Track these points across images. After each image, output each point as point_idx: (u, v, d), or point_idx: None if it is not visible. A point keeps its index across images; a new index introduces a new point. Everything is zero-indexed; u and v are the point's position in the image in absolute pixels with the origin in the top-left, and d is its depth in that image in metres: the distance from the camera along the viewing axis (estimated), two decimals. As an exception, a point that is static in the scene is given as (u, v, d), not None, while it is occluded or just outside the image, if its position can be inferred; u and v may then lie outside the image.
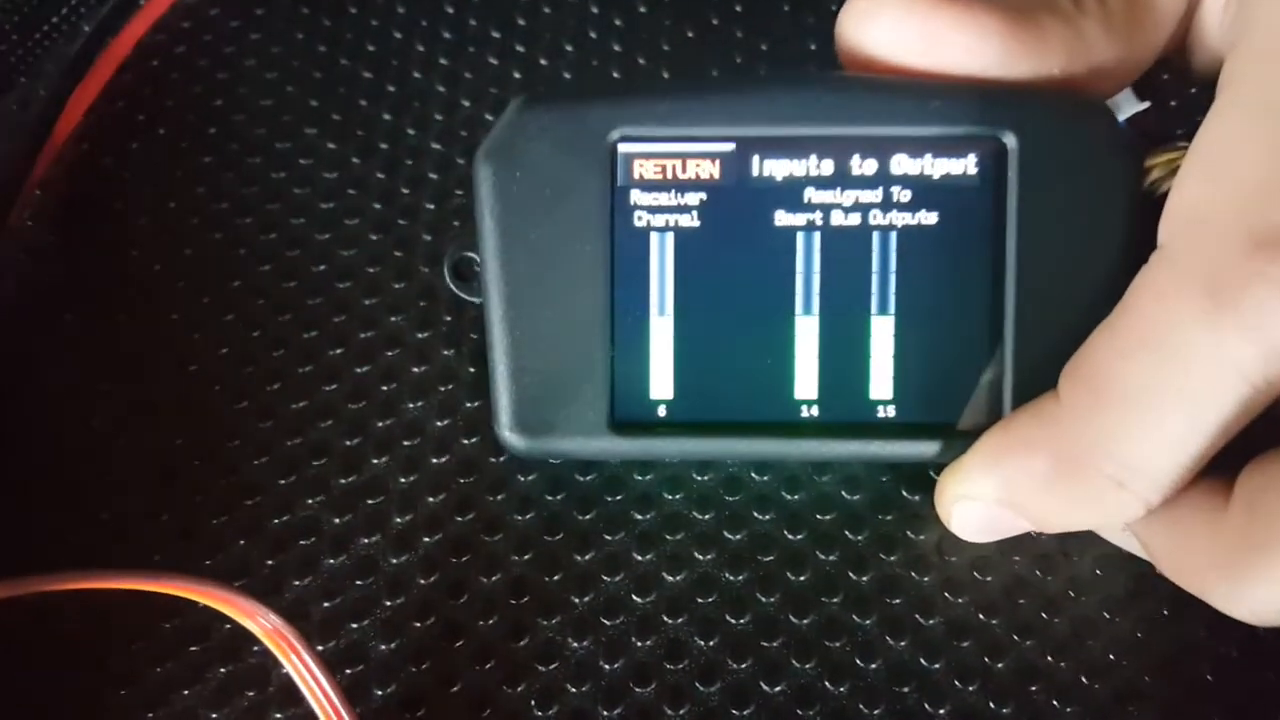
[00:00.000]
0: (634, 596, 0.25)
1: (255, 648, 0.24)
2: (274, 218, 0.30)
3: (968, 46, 0.22)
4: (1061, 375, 0.22)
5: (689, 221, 0.24)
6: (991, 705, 0.24)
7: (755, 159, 0.23)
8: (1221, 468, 0.21)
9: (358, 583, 0.25)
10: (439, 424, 0.27)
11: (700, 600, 0.25)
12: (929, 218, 0.24)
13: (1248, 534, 0.20)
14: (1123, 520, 0.22)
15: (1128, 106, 0.30)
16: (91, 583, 0.23)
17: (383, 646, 0.24)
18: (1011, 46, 0.22)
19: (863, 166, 0.23)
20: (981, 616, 0.25)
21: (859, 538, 0.26)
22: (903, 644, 0.24)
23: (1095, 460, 0.21)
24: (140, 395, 0.27)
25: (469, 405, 0.27)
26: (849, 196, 0.24)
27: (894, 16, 0.23)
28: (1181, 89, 0.31)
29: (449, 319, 0.28)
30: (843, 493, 0.26)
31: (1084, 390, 0.21)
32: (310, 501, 0.26)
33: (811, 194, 0.24)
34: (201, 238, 0.30)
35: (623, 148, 0.24)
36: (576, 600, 0.25)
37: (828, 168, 0.23)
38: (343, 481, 0.26)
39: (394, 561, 0.25)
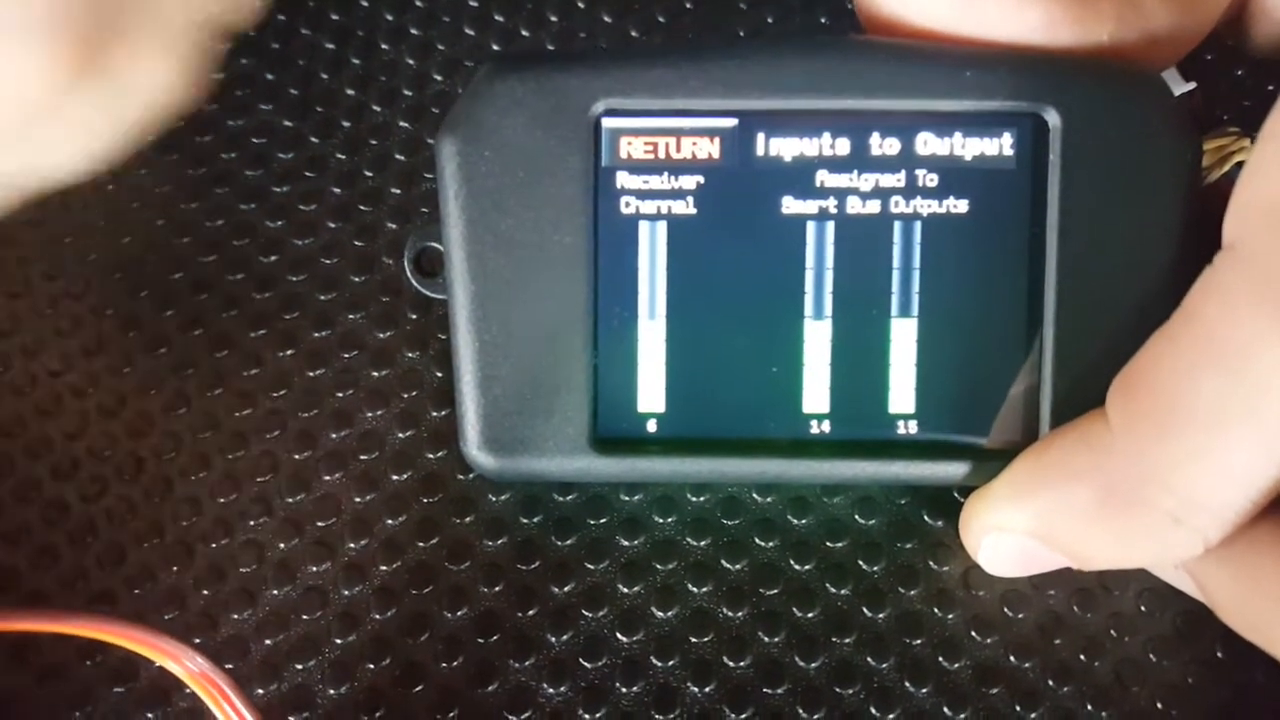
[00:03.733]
0: (619, 635, 0.23)
1: (188, 690, 0.22)
2: (221, 203, 0.27)
3: (1007, 9, 0.20)
4: (1110, 391, 0.19)
5: (684, 208, 0.21)
6: (1025, 763, 0.21)
7: (760, 137, 0.21)
8: None
9: (304, 617, 0.23)
10: (400, 436, 0.25)
11: (694, 640, 0.23)
12: (958, 205, 0.21)
13: None
14: (1177, 559, 0.20)
15: (1172, 87, 0.27)
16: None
17: (331, 691, 0.22)
18: (1057, 10, 0.20)
19: (884, 146, 0.21)
20: (1013, 659, 0.22)
21: (875, 569, 0.23)
22: (924, 691, 0.22)
23: (1150, 492, 0.18)
24: (67, 400, 0.25)
25: (435, 415, 0.25)
26: (867, 181, 0.21)
27: None
28: (1228, 70, 0.29)
29: (414, 317, 0.26)
30: (856, 517, 0.24)
31: (1138, 411, 0.19)
32: (252, 523, 0.24)
33: (824, 177, 0.21)
34: (141, 224, 0.27)
35: (608, 122, 0.21)
36: (553, 639, 0.23)
37: (843, 147, 0.21)
38: (290, 501, 0.24)
39: (346, 593, 0.23)
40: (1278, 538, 0.19)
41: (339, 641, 0.22)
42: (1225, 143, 0.25)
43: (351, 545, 0.23)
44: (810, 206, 0.21)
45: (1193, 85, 0.27)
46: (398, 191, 0.27)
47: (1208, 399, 0.18)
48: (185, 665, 0.20)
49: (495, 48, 0.29)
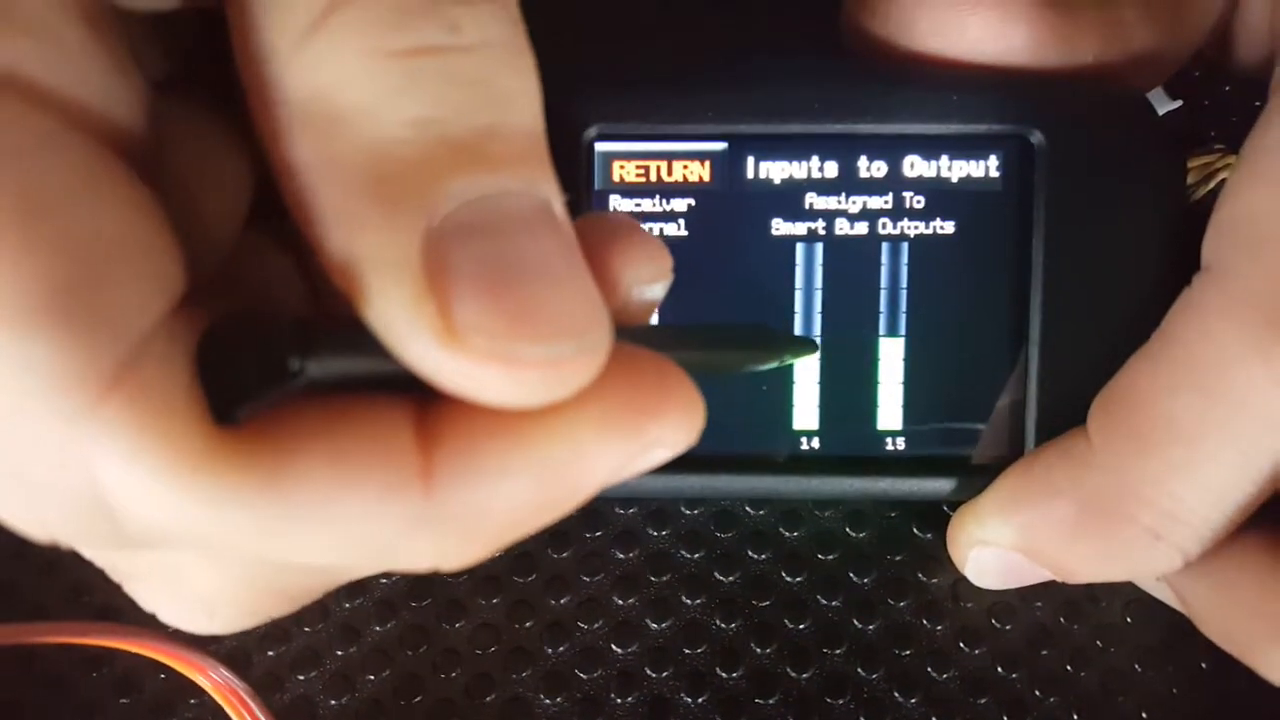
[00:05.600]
0: (613, 647, 0.23)
1: (193, 700, 0.22)
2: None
3: (991, 30, 0.20)
4: (1091, 410, 0.20)
5: (675, 230, 0.22)
6: (1012, 772, 0.21)
7: (750, 160, 0.21)
8: (1272, 518, 0.19)
9: (305, 629, 0.23)
10: None
11: (688, 651, 0.23)
12: (945, 226, 0.21)
13: None
14: (1157, 573, 0.20)
15: (1159, 104, 0.27)
16: (31, 638, 0.21)
17: (332, 702, 0.22)
18: (1041, 30, 0.20)
19: (871, 169, 0.21)
20: (1001, 670, 0.23)
21: (865, 580, 0.23)
22: (913, 701, 0.22)
23: (1130, 509, 0.19)
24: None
25: None
26: (855, 203, 0.21)
27: None
28: (1215, 87, 0.29)
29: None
30: (847, 530, 0.24)
31: (1118, 429, 0.19)
32: None
33: (813, 200, 0.21)
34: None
35: (600, 146, 0.21)
36: (549, 651, 0.23)
37: (832, 170, 0.21)
38: None
39: (346, 606, 0.23)
40: (1254, 552, 0.19)
41: (340, 653, 0.23)
42: (1211, 160, 0.25)
43: (352, 558, 0.24)
44: (799, 228, 0.21)
45: (1179, 103, 0.27)
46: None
47: (1185, 417, 0.18)
48: (210, 677, 0.21)
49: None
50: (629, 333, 0.13)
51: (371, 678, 0.22)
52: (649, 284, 0.15)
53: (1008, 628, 0.23)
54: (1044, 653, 0.23)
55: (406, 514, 0.12)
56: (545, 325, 0.12)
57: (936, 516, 0.24)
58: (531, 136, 0.13)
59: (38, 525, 0.12)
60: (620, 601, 0.23)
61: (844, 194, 0.21)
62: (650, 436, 0.13)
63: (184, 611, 0.15)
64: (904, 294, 0.21)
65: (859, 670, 0.23)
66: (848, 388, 0.22)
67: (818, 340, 0.19)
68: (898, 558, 0.24)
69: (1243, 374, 0.17)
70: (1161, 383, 0.18)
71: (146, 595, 0.15)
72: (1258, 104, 0.29)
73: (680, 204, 0.21)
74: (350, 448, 0.12)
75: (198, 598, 0.14)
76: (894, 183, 0.21)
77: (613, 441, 0.13)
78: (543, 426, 0.12)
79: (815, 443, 0.22)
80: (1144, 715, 0.22)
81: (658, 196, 0.21)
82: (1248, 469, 0.18)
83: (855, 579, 0.23)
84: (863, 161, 0.21)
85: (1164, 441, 0.18)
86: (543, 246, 0.12)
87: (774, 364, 0.16)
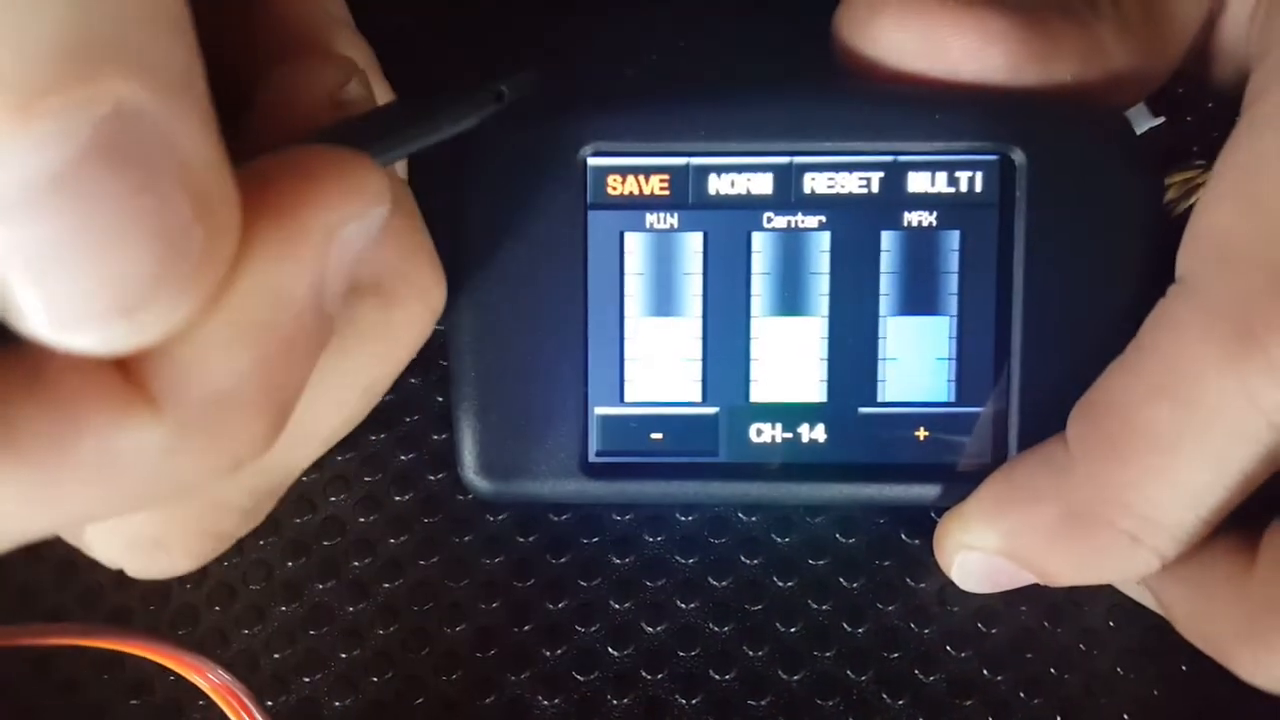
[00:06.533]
0: (610, 649, 0.23)
1: (202, 702, 0.23)
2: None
3: (973, 50, 0.21)
4: (1070, 418, 0.20)
5: (669, 245, 0.22)
6: (997, 772, 0.22)
7: (741, 176, 0.22)
8: (1245, 523, 0.19)
9: (310, 633, 0.23)
10: (402, 458, 0.25)
11: (682, 654, 0.23)
12: (929, 243, 0.22)
13: (1275, 598, 0.19)
14: (1136, 576, 0.21)
15: (1141, 121, 0.28)
16: (28, 639, 0.22)
17: (336, 703, 0.23)
18: (1020, 51, 0.21)
19: (856, 185, 0.22)
20: (986, 672, 0.23)
21: (854, 585, 0.24)
22: (901, 703, 0.23)
23: (1107, 513, 0.19)
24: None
25: (436, 438, 0.25)
26: (839, 219, 0.22)
27: (894, 17, 0.21)
28: (1197, 103, 0.29)
29: (416, 345, 0.26)
30: (837, 535, 0.24)
31: (1095, 437, 0.20)
32: (261, 543, 0.24)
33: (800, 217, 0.22)
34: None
35: (594, 162, 0.22)
36: (547, 653, 0.23)
37: (818, 186, 0.22)
38: (296, 521, 0.25)
39: (350, 610, 0.24)
40: (1229, 555, 0.19)
41: (344, 656, 0.23)
42: (1191, 175, 0.25)
43: (355, 564, 0.24)
44: (786, 244, 0.22)
45: (1160, 120, 0.28)
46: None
47: (1161, 425, 0.19)
48: (208, 678, 0.21)
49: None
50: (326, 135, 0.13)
51: (375, 680, 0.23)
52: (353, 226, 0.13)
53: (993, 631, 0.23)
54: (1029, 656, 0.23)
55: (151, 437, 0.12)
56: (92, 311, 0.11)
57: (924, 523, 0.24)
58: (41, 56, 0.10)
59: None
60: (616, 605, 0.24)
61: (828, 210, 0.22)
62: (324, 221, 0.12)
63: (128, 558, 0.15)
64: (888, 308, 0.22)
65: (848, 673, 0.23)
66: (834, 398, 0.22)
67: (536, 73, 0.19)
68: (886, 563, 0.24)
69: (1214, 384, 0.18)
70: (1138, 392, 0.19)
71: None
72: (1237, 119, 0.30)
73: (673, 218, 0.22)
74: (59, 396, 0.11)
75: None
76: (878, 200, 0.22)
77: (287, 251, 0.12)
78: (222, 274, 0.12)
79: (805, 451, 0.22)
80: (1125, 717, 0.23)
81: (651, 210, 0.22)
82: (1220, 475, 0.18)
83: (845, 584, 0.24)
84: (847, 178, 0.22)
85: (1140, 449, 0.19)
86: (71, 217, 0.10)
87: (491, 108, 0.18)
